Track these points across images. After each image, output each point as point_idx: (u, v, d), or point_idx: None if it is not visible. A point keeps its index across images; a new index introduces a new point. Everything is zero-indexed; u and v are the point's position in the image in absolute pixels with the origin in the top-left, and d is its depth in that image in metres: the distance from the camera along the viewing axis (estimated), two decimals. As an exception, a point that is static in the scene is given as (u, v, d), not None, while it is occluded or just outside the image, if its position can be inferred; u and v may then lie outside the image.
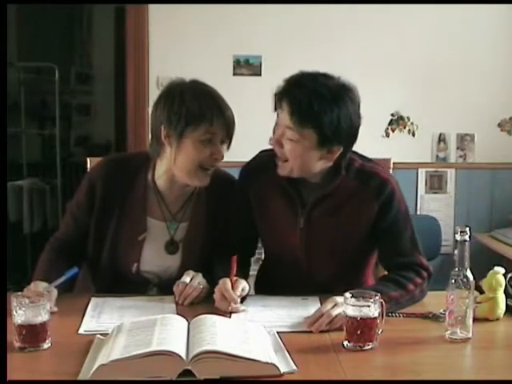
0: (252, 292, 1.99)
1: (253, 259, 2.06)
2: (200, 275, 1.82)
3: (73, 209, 1.99)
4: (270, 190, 1.90)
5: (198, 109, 1.81)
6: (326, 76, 1.77)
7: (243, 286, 1.76)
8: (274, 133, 1.80)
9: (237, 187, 1.99)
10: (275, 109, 1.78)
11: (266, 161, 1.91)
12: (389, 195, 1.83)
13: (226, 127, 1.85)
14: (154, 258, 1.94)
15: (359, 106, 1.78)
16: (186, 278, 1.81)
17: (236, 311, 1.72)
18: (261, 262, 2.13)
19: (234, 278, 1.75)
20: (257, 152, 2.03)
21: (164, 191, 1.95)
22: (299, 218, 1.87)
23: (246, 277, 1.88)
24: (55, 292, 1.75)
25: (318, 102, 1.69)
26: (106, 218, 1.93)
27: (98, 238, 1.95)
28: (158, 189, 1.95)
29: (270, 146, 1.86)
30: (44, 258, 1.95)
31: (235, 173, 2.04)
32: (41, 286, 1.75)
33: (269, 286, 2.02)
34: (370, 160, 1.91)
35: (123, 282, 1.93)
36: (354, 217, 1.85)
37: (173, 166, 1.87)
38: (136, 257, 1.93)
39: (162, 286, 1.93)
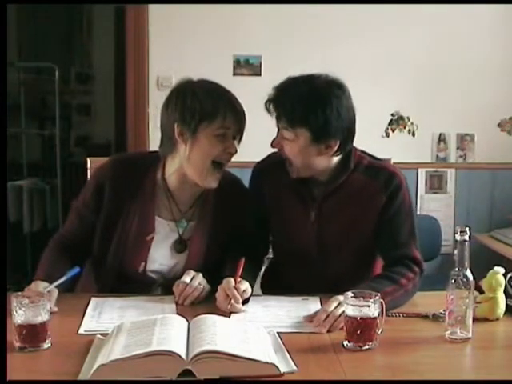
0: (259, 291, 2.00)
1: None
2: (200, 275, 1.82)
3: (79, 207, 1.98)
4: (282, 188, 1.95)
5: (211, 105, 1.82)
6: (310, 77, 1.82)
7: (246, 287, 1.76)
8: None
9: (250, 186, 2.03)
10: (269, 113, 1.85)
11: (277, 160, 1.93)
12: (396, 187, 1.88)
13: (239, 122, 1.87)
14: (160, 258, 1.94)
15: (349, 100, 1.82)
16: (186, 278, 1.81)
17: (236, 311, 1.72)
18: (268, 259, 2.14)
19: (238, 279, 1.75)
20: (256, 151, 2.04)
21: (174, 189, 1.94)
22: (310, 211, 1.92)
23: (256, 276, 1.92)
24: (56, 292, 1.75)
25: (300, 105, 1.76)
26: (113, 218, 1.92)
27: (104, 237, 1.94)
28: (168, 187, 1.94)
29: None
30: (47, 256, 1.95)
31: (236, 173, 2.04)
32: (41, 285, 1.75)
33: (277, 283, 2.03)
34: (379, 159, 1.96)
35: (128, 281, 1.92)
36: (364, 210, 1.89)
37: (186, 163, 1.87)
38: (144, 256, 1.92)
39: (167, 286, 1.93)
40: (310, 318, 1.66)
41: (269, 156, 2.04)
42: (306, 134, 1.78)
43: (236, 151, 1.88)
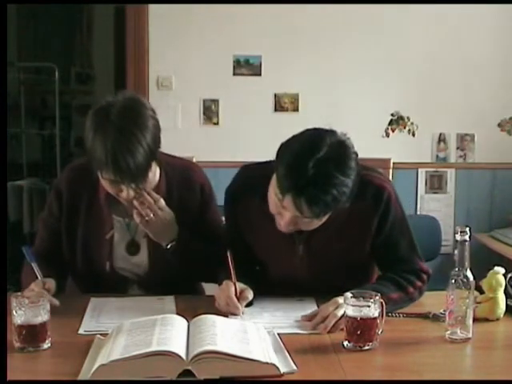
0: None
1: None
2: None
3: (45, 219, 2.00)
4: (258, 218, 1.81)
5: (91, 156, 1.72)
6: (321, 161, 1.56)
7: (246, 295, 1.73)
8: (274, 206, 1.66)
9: (225, 212, 1.92)
10: (280, 192, 1.59)
11: (248, 183, 1.82)
12: (386, 203, 1.77)
13: (118, 174, 1.71)
14: (125, 256, 1.95)
15: (356, 161, 1.63)
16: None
17: (236, 314, 1.70)
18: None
19: (239, 288, 1.72)
20: (256, 151, 2.01)
21: None
22: (297, 245, 1.81)
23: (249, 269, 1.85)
24: (52, 282, 1.77)
25: (330, 199, 1.57)
26: (74, 222, 1.94)
27: (69, 242, 1.95)
28: None
29: (258, 158, 1.82)
30: (28, 269, 1.87)
31: (234, 173, 2.02)
32: (38, 283, 1.75)
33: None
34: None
35: (101, 281, 1.93)
36: (356, 235, 1.80)
37: None
38: (107, 256, 1.93)
39: (143, 283, 1.94)
40: (309, 318, 1.66)
41: (239, 179, 1.89)
42: (327, 215, 1.66)
43: (129, 198, 1.78)
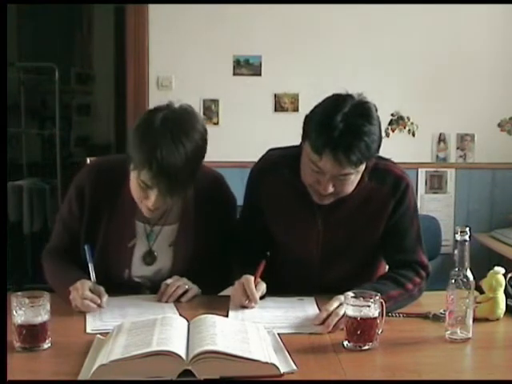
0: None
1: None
2: (184, 279, 1.85)
3: (64, 218, 1.95)
4: (283, 191, 1.89)
5: (137, 155, 1.71)
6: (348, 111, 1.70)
7: (262, 289, 1.79)
8: (311, 177, 1.74)
9: (248, 188, 1.98)
10: (316, 152, 1.68)
11: (276, 161, 1.90)
12: (403, 191, 1.86)
13: (158, 178, 1.70)
14: (142, 264, 1.93)
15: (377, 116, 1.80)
16: (168, 280, 1.84)
17: (248, 307, 1.74)
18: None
19: (258, 280, 1.78)
20: (256, 151, 2.02)
21: None
22: (317, 219, 1.87)
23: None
24: (102, 288, 1.77)
25: (363, 144, 1.67)
26: (96, 224, 1.90)
27: (88, 244, 1.91)
28: None
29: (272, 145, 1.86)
30: (56, 263, 1.91)
31: (236, 173, 2.03)
32: (87, 284, 1.75)
33: (272, 281, 1.95)
34: (382, 158, 1.89)
35: (116, 286, 1.90)
36: (372, 218, 1.86)
37: None
38: (127, 263, 1.91)
39: (155, 289, 1.92)
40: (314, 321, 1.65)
41: (265, 157, 1.97)
42: (363, 165, 1.74)
43: (154, 206, 1.76)
